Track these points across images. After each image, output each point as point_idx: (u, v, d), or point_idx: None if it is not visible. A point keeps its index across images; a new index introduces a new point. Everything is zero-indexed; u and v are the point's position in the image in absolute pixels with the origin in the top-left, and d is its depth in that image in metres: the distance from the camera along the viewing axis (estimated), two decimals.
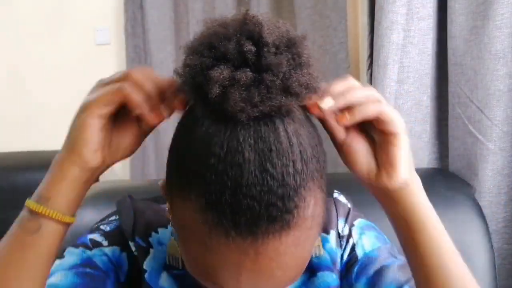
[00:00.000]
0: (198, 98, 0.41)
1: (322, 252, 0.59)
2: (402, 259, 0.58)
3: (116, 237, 0.59)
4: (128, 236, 0.58)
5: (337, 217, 0.62)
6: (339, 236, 0.61)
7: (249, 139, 0.38)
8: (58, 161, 0.46)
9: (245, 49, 0.39)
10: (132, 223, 0.58)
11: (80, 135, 0.44)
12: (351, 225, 0.62)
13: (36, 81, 1.99)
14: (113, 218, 0.62)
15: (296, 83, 0.40)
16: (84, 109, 0.44)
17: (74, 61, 1.96)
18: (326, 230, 0.60)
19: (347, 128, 0.47)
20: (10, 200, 1.77)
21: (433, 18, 1.10)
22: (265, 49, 0.39)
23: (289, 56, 0.40)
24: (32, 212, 0.44)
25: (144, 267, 0.57)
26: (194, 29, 1.85)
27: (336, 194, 0.65)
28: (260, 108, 0.39)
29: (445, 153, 1.16)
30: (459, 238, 0.88)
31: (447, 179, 1.06)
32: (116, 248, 0.58)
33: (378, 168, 0.47)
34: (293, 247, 0.40)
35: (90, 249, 0.57)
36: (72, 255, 0.56)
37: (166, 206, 0.52)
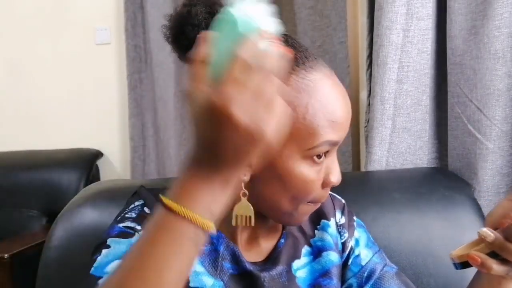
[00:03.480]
0: None
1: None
2: (393, 266, 0.71)
3: (145, 218, 0.59)
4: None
5: (335, 208, 0.72)
6: (337, 225, 0.71)
7: None
8: None
9: None
10: (154, 203, 0.59)
11: None
12: (352, 220, 0.73)
13: (37, 81, 1.99)
14: (133, 205, 0.63)
15: None
16: None
17: (74, 61, 1.96)
18: (327, 218, 0.70)
19: None
20: (10, 200, 1.77)
21: (433, 18, 1.10)
22: None
23: None
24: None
25: None
26: None
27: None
28: None
29: (444, 153, 1.17)
30: (458, 237, 0.89)
31: (446, 178, 1.06)
32: None
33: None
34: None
35: (132, 235, 0.58)
36: (120, 244, 0.56)
37: None
